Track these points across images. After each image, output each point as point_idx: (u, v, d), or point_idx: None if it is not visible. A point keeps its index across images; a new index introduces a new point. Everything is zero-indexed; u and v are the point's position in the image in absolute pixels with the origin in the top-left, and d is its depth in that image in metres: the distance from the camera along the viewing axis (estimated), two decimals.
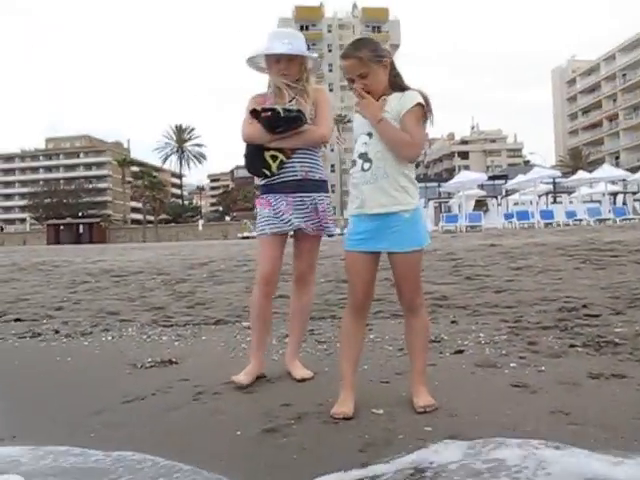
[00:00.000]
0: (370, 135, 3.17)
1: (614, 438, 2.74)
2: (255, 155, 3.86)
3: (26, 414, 3.53)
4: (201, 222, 74.52)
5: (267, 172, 3.81)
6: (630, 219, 27.23)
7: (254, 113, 3.79)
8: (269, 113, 3.72)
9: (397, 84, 3.20)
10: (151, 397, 3.66)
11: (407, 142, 3.10)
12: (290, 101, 3.85)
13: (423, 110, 3.13)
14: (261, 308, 3.89)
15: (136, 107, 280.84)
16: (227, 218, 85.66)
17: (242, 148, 3.95)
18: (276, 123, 3.72)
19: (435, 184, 41.24)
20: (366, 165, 3.16)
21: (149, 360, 4.49)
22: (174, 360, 4.48)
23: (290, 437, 2.92)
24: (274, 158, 3.80)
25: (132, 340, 5.41)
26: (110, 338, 5.53)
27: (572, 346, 4.32)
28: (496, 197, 36.54)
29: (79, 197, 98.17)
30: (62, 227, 71.28)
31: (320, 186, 3.90)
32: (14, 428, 3.27)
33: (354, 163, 3.24)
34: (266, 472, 2.58)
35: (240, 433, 3.00)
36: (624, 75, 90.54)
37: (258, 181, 4.04)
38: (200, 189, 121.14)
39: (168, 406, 3.47)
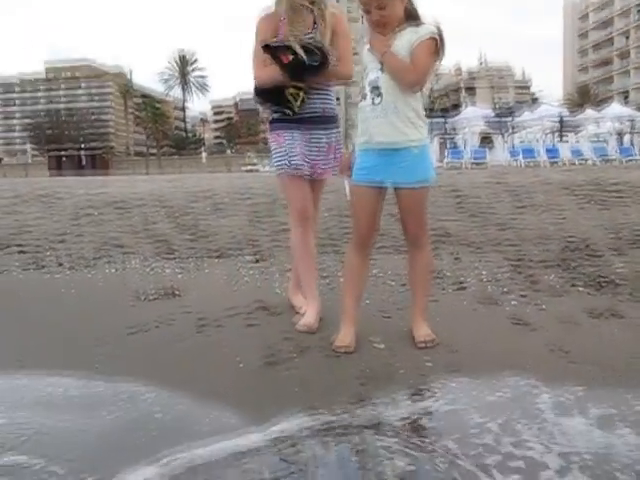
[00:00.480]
0: (383, 69, 3.11)
1: (611, 376, 2.78)
2: (273, 92, 3.60)
3: (31, 345, 3.56)
4: (204, 154, 74.01)
5: (289, 112, 3.58)
6: (636, 159, 26.96)
7: (269, 50, 3.45)
8: (290, 58, 3.40)
9: (412, 16, 3.11)
10: (154, 329, 3.69)
11: (408, 68, 3.04)
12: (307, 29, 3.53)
13: (435, 43, 3.06)
14: (306, 246, 3.73)
15: (137, 32, 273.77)
16: (228, 151, 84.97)
17: (250, 76, 3.64)
18: (299, 72, 3.45)
19: (441, 119, 40.57)
20: (377, 99, 3.10)
21: (152, 292, 4.52)
22: (177, 292, 4.51)
23: (292, 370, 2.96)
24: (295, 96, 3.56)
25: (135, 272, 5.43)
26: (113, 270, 5.55)
27: (573, 285, 4.34)
28: (502, 134, 36.10)
29: (81, 128, 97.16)
30: (64, 158, 70.96)
31: (334, 121, 3.77)
32: (20, 356, 3.31)
33: (364, 96, 3.17)
34: (268, 403, 2.62)
35: (243, 365, 3.04)
36: (639, 11, 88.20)
37: (267, 112, 3.81)
38: (203, 121, 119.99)
39: (171, 338, 3.51)
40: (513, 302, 3.97)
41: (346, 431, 2.29)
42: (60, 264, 5.88)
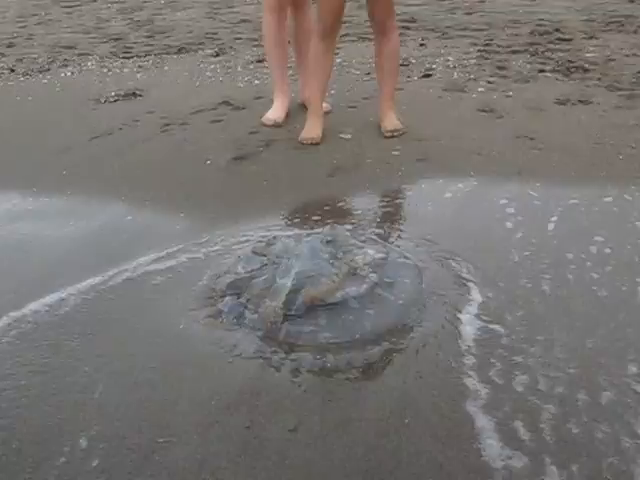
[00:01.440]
0: None
1: (574, 162, 2.84)
2: None
3: None
4: None
5: None
6: None
7: None
8: None
9: None
10: (118, 132, 3.62)
11: None
12: None
13: None
14: (277, 36, 3.53)
15: None
16: None
17: None
18: None
19: None
20: None
21: (112, 94, 4.37)
22: (138, 92, 4.38)
23: (259, 165, 2.97)
24: None
25: (92, 74, 5.21)
26: (70, 74, 5.32)
27: (541, 71, 4.28)
28: None
29: None
30: None
31: None
32: None
33: None
34: (237, 198, 2.65)
35: (210, 162, 3.03)
36: None
37: None
38: None
39: (136, 139, 3.46)
40: (480, 89, 3.93)
41: (315, 225, 2.33)
42: (12, 70, 5.60)
